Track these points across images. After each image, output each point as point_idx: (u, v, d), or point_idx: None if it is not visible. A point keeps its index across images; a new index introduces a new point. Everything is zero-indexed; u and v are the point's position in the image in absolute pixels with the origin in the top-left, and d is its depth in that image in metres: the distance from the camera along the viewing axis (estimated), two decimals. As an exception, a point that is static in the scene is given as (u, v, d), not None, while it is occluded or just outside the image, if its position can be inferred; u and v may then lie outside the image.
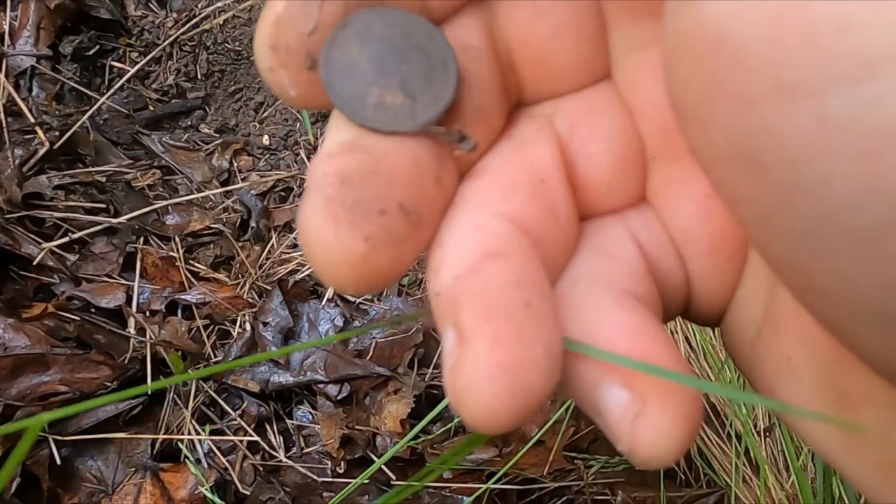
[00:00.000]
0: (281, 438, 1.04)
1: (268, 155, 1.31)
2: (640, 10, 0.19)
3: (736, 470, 0.96)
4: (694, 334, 1.02)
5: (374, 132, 0.18)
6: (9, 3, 1.24)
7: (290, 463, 1.02)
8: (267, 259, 1.18)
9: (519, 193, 0.20)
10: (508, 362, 0.16)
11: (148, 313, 1.07)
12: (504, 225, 0.19)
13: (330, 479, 1.01)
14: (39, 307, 1.01)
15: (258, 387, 1.04)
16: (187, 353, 1.04)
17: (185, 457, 0.98)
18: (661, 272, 0.22)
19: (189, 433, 1.00)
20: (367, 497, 0.99)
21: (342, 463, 1.02)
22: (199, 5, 1.38)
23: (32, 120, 1.16)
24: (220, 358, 1.06)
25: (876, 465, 0.19)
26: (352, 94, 0.18)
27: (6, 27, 1.23)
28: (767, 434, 0.98)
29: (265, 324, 1.09)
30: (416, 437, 1.01)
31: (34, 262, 1.03)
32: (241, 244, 1.18)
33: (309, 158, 1.30)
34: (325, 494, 0.99)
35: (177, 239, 1.14)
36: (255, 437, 1.02)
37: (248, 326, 1.09)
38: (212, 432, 1.01)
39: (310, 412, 1.07)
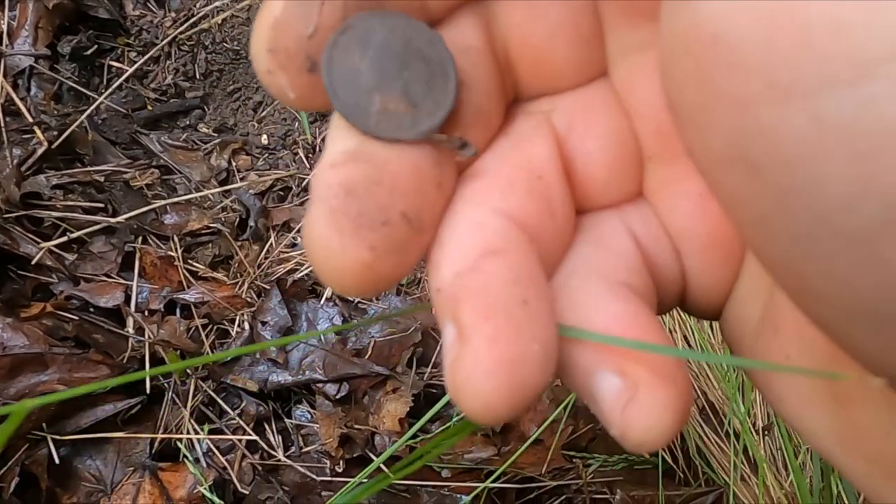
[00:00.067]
0: (280, 438, 1.04)
1: (266, 154, 1.31)
2: (636, 13, 0.20)
3: (734, 468, 0.97)
4: (693, 333, 1.02)
5: (377, 139, 0.19)
6: (7, 2, 1.24)
7: (289, 462, 1.02)
8: (265, 258, 1.18)
9: (517, 190, 0.20)
10: (506, 359, 0.17)
11: (146, 313, 1.07)
12: (502, 222, 0.19)
13: (329, 479, 1.01)
14: (38, 307, 1.01)
15: (257, 386, 1.04)
16: (186, 352, 1.04)
17: (184, 456, 0.98)
18: (657, 266, 0.22)
19: (188, 432, 1.00)
20: (366, 496, 0.99)
21: (341, 462, 1.02)
22: (198, 5, 1.38)
23: (31, 119, 1.15)
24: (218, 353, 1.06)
25: (873, 463, 0.19)
26: (354, 100, 0.18)
27: (4, 27, 1.23)
28: (766, 432, 0.98)
29: (264, 323, 1.09)
30: (414, 436, 1.02)
31: (32, 262, 1.03)
32: (239, 243, 1.18)
33: (307, 158, 1.30)
34: (323, 493, 0.99)
35: (175, 238, 1.14)
36: (254, 437, 1.02)
37: (246, 326, 1.09)
38: (210, 432, 1.01)
39: (308, 411, 1.07)
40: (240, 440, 1.01)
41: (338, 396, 1.05)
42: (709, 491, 1.00)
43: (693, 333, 1.02)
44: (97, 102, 1.25)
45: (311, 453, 1.03)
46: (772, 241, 0.16)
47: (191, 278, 1.12)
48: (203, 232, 1.18)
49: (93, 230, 1.10)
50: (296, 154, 1.31)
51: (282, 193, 1.27)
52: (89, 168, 1.17)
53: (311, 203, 0.18)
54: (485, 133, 0.21)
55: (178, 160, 1.27)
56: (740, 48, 0.14)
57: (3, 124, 1.13)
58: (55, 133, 1.15)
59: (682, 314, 1.02)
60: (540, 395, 0.17)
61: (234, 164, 1.29)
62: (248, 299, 1.12)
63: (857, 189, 0.13)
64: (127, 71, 1.31)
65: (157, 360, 1.02)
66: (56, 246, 1.06)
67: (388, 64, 0.19)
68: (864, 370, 0.17)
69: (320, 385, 1.06)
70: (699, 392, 1.03)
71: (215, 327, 1.10)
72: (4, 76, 1.20)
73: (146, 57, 1.33)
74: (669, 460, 1.04)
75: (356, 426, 1.03)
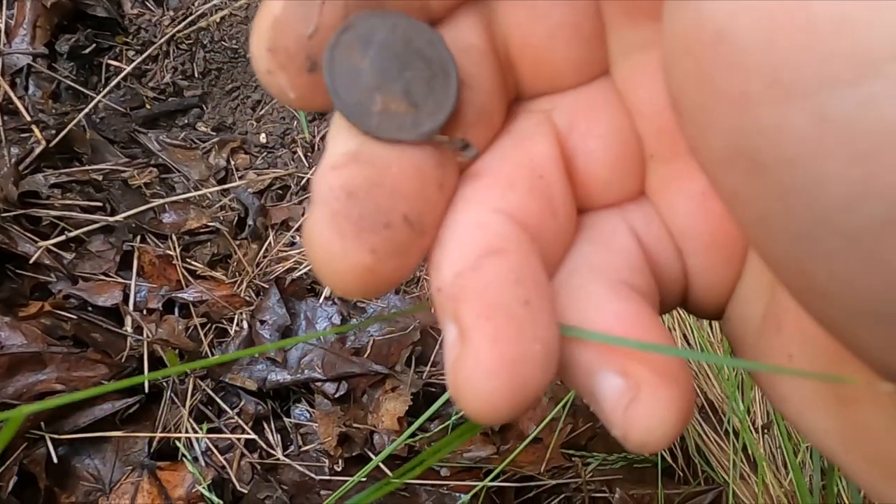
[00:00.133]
0: (278, 437, 1.04)
1: (265, 153, 1.31)
2: (638, 12, 0.20)
3: (734, 467, 0.97)
4: (692, 331, 1.03)
5: (378, 140, 0.18)
6: (5, 1, 1.24)
7: (288, 461, 1.02)
8: (264, 257, 1.18)
9: (518, 189, 0.20)
10: (507, 359, 0.17)
11: (145, 312, 1.07)
12: (503, 221, 0.19)
13: (328, 478, 1.01)
14: (36, 306, 1.01)
15: (255, 385, 1.04)
16: (184, 351, 1.04)
17: (183, 455, 0.98)
18: (659, 264, 0.22)
19: (186, 431, 1.00)
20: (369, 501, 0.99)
21: (340, 461, 1.02)
22: (196, 3, 1.38)
23: (29, 118, 1.15)
24: (217, 356, 1.06)
25: (875, 462, 0.19)
26: (356, 101, 0.18)
27: (2, 25, 1.23)
28: (765, 431, 0.98)
29: (262, 322, 1.09)
30: (413, 435, 1.02)
31: (31, 261, 1.03)
32: (238, 242, 1.18)
33: (306, 157, 1.30)
34: (322, 492, 0.99)
35: (174, 237, 1.14)
36: (253, 436, 1.02)
37: (245, 325, 1.09)
38: (209, 431, 1.01)
39: (307, 410, 1.07)
40: (238, 439, 1.01)
41: (336, 395, 1.05)
42: (708, 489, 1.00)
43: (693, 332, 1.02)
44: (95, 101, 1.24)
45: (310, 452, 1.03)
46: (773, 241, 0.16)
47: (189, 277, 1.12)
48: (201, 231, 1.18)
49: (91, 229, 1.10)
50: (294, 153, 1.30)
51: (280, 192, 1.27)
52: (87, 167, 1.17)
53: (312, 205, 0.18)
54: (486, 133, 0.21)
55: (177, 159, 1.26)
56: (742, 47, 0.14)
57: (1, 123, 1.13)
58: (53, 132, 1.15)
59: (681, 313, 1.02)
60: (541, 395, 0.17)
61: (232, 162, 1.28)
62: (247, 298, 1.12)
63: (858, 189, 0.13)
64: (125, 69, 1.31)
65: (155, 360, 1.02)
66: (54, 245, 1.06)
67: (389, 64, 0.19)
68: (869, 370, 0.17)
69: (319, 384, 1.06)
70: (698, 390, 1.03)
71: (214, 326, 1.10)
72: (2, 75, 1.20)
73: (144, 55, 1.33)
74: (669, 459, 1.04)
75: (355, 425, 1.03)
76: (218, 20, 1.35)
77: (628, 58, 0.21)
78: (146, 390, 1.00)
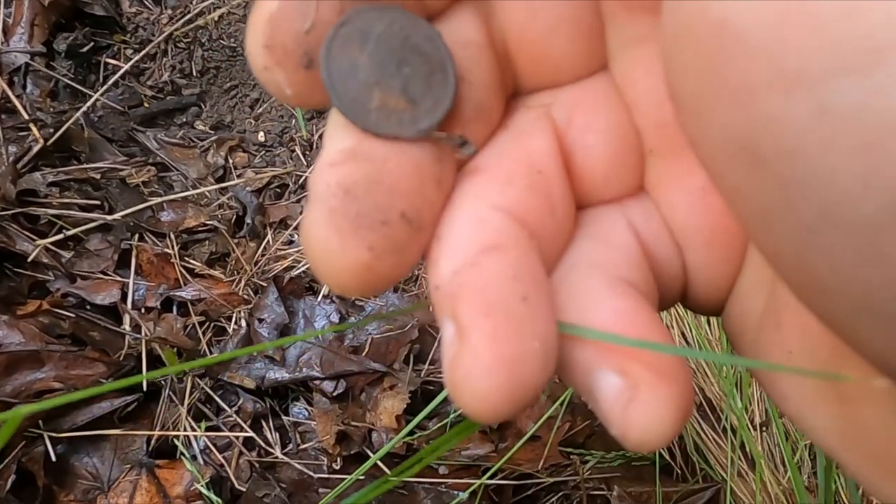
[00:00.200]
0: (277, 435, 1.04)
1: (263, 151, 1.31)
2: (637, 6, 0.19)
3: (732, 464, 0.97)
4: (691, 329, 1.03)
5: (376, 137, 0.18)
6: (2, 0, 1.24)
7: (286, 459, 1.01)
8: (262, 255, 1.18)
9: (516, 185, 0.20)
10: (505, 356, 0.17)
11: (143, 310, 1.07)
12: (502, 218, 0.19)
13: (326, 476, 1.01)
14: (34, 304, 1.01)
15: (254, 383, 1.04)
16: (182, 349, 1.04)
17: (181, 453, 0.98)
18: (658, 261, 0.22)
19: (185, 430, 1.00)
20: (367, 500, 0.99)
21: (338, 459, 1.02)
22: (194, 1, 1.37)
23: (26, 117, 1.15)
24: (215, 355, 1.06)
25: (876, 460, 0.19)
26: (354, 97, 0.18)
27: (0, 24, 1.23)
28: (763, 429, 0.98)
29: (261, 320, 1.09)
30: (411, 433, 1.02)
31: (29, 259, 1.03)
32: (236, 241, 1.18)
33: (304, 155, 1.30)
34: (320, 490, 0.99)
35: (172, 236, 1.14)
36: (251, 434, 1.02)
37: (243, 323, 1.09)
38: (207, 429, 1.01)
39: (305, 408, 1.07)
40: (237, 437, 1.01)
41: (335, 393, 1.05)
42: (706, 487, 1.00)
43: (691, 330, 1.02)
44: (93, 99, 1.24)
45: (309, 450, 1.03)
46: (775, 235, 0.16)
47: (187, 275, 1.12)
48: (200, 229, 1.18)
49: (89, 227, 1.10)
50: (292, 151, 1.30)
51: (278, 190, 1.27)
52: (85, 165, 1.17)
53: (309, 203, 0.18)
54: (485, 129, 0.21)
55: (175, 157, 1.26)
56: (748, 33, 0.14)
57: (-2, 121, 1.12)
58: (51, 130, 1.14)
59: (680, 310, 1.02)
60: (540, 392, 0.17)
61: (230, 161, 1.28)
62: (245, 296, 1.12)
63: (860, 181, 0.13)
64: (123, 68, 1.31)
65: (153, 358, 1.02)
66: (52, 243, 1.06)
67: (387, 59, 0.18)
68: (868, 367, 0.17)
69: (317, 382, 1.05)
70: (697, 388, 1.03)
71: (212, 324, 1.09)
72: (0, 73, 1.19)
73: (142, 54, 1.32)
74: (667, 456, 1.04)
75: (353, 423, 1.03)
76: (216, 18, 1.35)
77: (627, 52, 0.20)
78: (144, 389, 1.00)
